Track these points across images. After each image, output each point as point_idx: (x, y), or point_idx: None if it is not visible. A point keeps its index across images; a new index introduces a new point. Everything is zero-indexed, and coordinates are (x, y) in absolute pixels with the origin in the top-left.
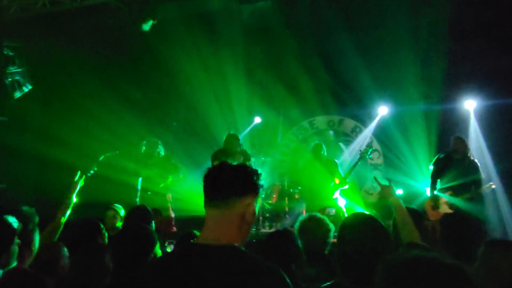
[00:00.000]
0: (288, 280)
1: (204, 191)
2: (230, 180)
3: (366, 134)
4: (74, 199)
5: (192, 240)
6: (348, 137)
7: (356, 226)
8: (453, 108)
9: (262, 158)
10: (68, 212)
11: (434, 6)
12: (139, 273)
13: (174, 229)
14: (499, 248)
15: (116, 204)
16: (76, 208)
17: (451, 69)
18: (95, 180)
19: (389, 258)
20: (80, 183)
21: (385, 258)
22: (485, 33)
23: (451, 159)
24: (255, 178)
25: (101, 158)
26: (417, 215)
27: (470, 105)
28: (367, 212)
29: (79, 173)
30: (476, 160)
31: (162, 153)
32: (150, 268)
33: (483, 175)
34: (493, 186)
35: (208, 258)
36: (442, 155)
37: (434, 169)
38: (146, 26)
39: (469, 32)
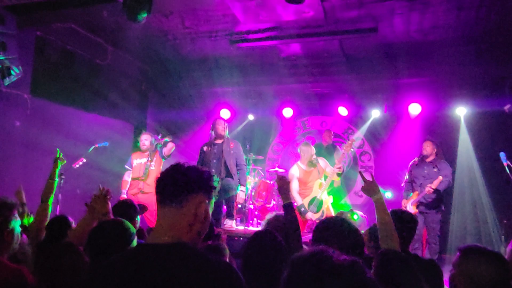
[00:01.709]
0: (241, 276)
1: (156, 191)
2: (180, 178)
3: (358, 136)
4: (57, 179)
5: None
6: (340, 138)
7: (325, 227)
8: (446, 114)
9: (254, 156)
10: (54, 192)
11: None
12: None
13: None
14: (475, 255)
15: None
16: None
17: (444, 77)
18: (84, 171)
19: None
20: (61, 162)
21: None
22: (475, 42)
23: (423, 163)
24: (206, 177)
25: (90, 150)
26: (405, 218)
27: (461, 112)
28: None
29: (58, 150)
30: (443, 163)
31: (159, 147)
32: (97, 272)
33: (449, 176)
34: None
35: (157, 258)
36: (415, 160)
37: (408, 175)
38: (140, 17)
39: (459, 41)
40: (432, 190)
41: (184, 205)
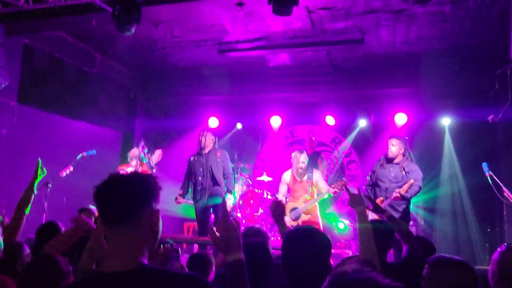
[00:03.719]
0: (210, 286)
1: (99, 212)
2: (127, 194)
3: (345, 145)
4: (36, 190)
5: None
6: (327, 147)
7: (296, 236)
8: (431, 124)
9: (242, 165)
10: (30, 203)
11: None
12: None
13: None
14: (443, 266)
15: (91, 206)
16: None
17: (429, 87)
18: (71, 180)
19: (336, 274)
20: (42, 173)
21: (333, 273)
22: (460, 53)
23: (389, 164)
24: (152, 182)
25: (77, 158)
26: (383, 228)
27: (445, 122)
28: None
29: (40, 160)
30: (413, 165)
31: (144, 160)
32: None
33: (420, 180)
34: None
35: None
36: (381, 159)
37: (370, 177)
38: (129, 31)
39: (443, 52)
40: (400, 196)
41: (138, 224)
